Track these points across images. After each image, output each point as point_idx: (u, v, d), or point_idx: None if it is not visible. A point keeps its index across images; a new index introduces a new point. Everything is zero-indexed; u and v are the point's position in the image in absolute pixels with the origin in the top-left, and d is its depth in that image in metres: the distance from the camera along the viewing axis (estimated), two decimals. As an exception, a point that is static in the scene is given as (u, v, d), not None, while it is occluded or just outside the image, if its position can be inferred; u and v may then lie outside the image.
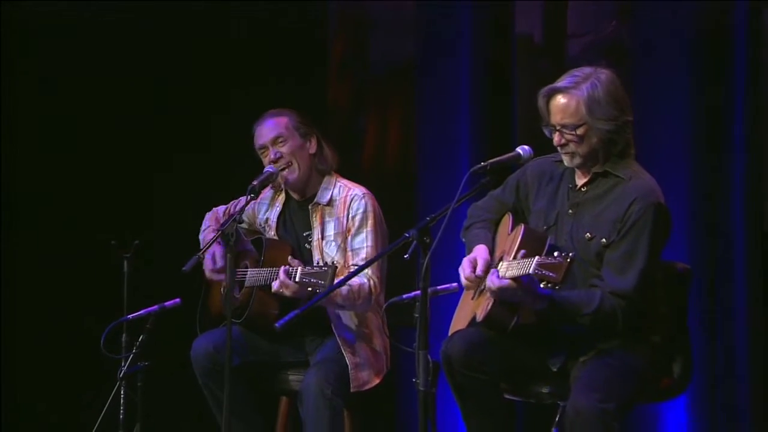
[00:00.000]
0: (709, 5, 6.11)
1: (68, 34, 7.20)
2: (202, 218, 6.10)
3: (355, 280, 5.59)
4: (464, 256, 5.06)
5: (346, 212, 5.76)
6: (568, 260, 4.55)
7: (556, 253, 4.60)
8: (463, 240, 5.19)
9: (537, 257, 4.61)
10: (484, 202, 5.20)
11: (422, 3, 7.10)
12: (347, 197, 5.77)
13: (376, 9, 7.37)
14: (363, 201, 5.74)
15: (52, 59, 7.23)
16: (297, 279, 5.42)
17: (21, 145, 7.21)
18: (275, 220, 5.91)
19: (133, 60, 7.27)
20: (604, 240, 4.86)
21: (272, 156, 5.77)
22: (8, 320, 7.10)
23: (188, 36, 7.33)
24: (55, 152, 7.23)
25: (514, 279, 4.68)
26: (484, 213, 5.21)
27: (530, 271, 4.59)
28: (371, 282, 5.65)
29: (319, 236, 5.79)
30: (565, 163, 4.97)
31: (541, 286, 4.61)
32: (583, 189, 5.00)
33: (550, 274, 4.54)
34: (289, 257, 5.61)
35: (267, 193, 5.92)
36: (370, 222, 5.73)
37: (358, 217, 5.74)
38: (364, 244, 5.71)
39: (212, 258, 5.78)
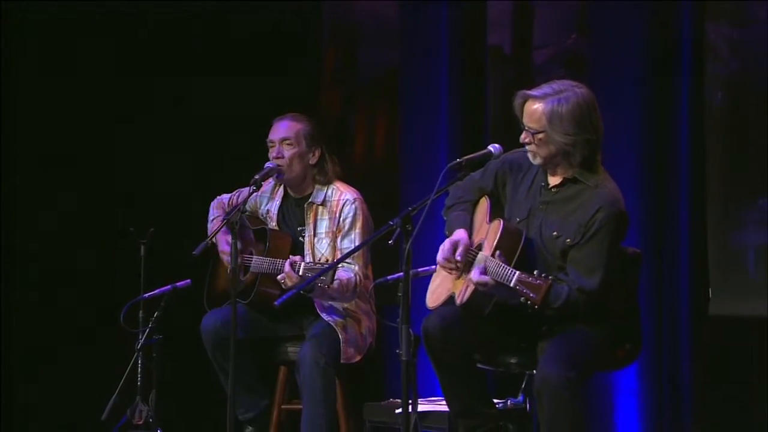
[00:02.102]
0: (657, 21, 6.12)
1: (69, 34, 7.11)
2: (207, 208, 6.13)
3: (344, 275, 5.66)
4: (443, 235, 5.11)
5: (338, 214, 5.79)
6: (549, 283, 4.60)
7: (536, 272, 4.63)
8: (445, 218, 5.22)
9: (517, 273, 4.64)
10: (465, 183, 5.15)
11: (405, 19, 7.15)
12: (340, 200, 5.80)
13: (364, 23, 7.42)
14: (354, 206, 5.78)
15: (53, 56, 7.12)
16: (301, 272, 5.47)
17: (37, 141, 7.14)
18: (276, 212, 5.94)
19: (134, 60, 7.21)
20: (568, 240, 4.88)
21: (275, 153, 5.81)
22: (43, 299, 7.12)
23: (192, 37, 7.33)
24: (71, 146, 7.17)
25: (496, 281, 4.73)
26: (465, 194, 5.20)
27: (511, 285, 4.64)
28: (357, 277, 5.70)
29: (311, 233, 5.83)
30: (530, 160, 5.00)
31: (521, 300, 4.62)
32: (553, 190, 5.00)
33: (531, 294, 4.59)
34: (290, 256, 5.63)
35: (267, 186, 5.96)
36: (358, 225, 5.77)
37: (348, 220, 5.77)
38: (351, 245, 5.73)
39: (226, 241, 5.77)
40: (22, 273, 7.10)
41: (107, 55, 7.18)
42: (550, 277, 4.62)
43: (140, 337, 5.95)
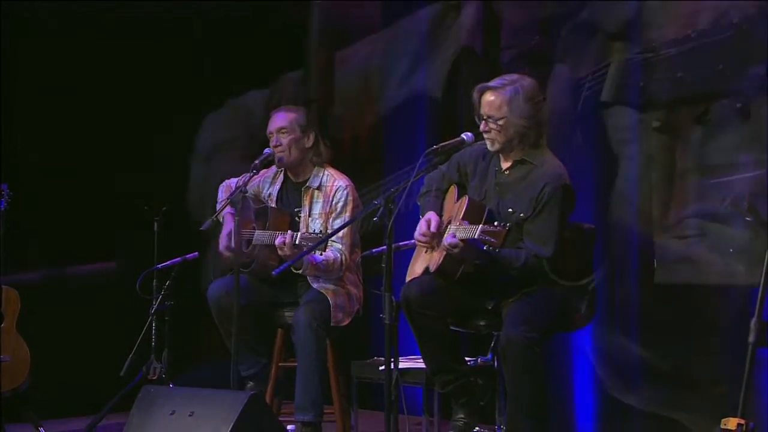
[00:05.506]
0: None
1: (70, 32, 6.95)
2: (215, 191, 6.09)
3: (331, 255, 5.74)
4: (419, 217, 5.19)
5: (330, 198, 5.82)
6: (507, 229, 4.70)
7: (495, 223, 4.73)
8: (419, 203, 5.33)
9: (481, 225, 4.75)
10: (436, 174, 5.29)
11: (387, 21, 7.16)
12: (333, 186, 5.84)
13: (351, 28, 7.44)
14: (345, 192, 5.83)
15: (55, 49, 6.90)
16: (297, 242, 5.54)
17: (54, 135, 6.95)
18: (276, 195, 5.99)
19: (135, 61, 7.09)
20: (522, 214, 5.01)
21: (274, 142, 5.88)
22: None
23: (201, 36, 7.35)
24: (92, 139, 7.03)
25: (463, 240, 4.83)
26: (436, 183, 5.32)
27: (475, 236, 4.72)
28: (343, 257, 5.76)
29: (307, 213, 5.86)
30: (488, 147, 5.10)
31: (484, 248, 4.72)
32: (506, 172, 5.12)
33: (492, 239, 4.68)
34: (289, 230, 5.70)
35: (270, 171, 6.01)
36: (348, 209, 5.81)
37: (339, 204, 5.81)
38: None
39: (228, 236, 5.81)
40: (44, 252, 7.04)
41: (107, 54, 7.06)
42: (508, 225, 4.72)
43: (154, 302, 6.01)
